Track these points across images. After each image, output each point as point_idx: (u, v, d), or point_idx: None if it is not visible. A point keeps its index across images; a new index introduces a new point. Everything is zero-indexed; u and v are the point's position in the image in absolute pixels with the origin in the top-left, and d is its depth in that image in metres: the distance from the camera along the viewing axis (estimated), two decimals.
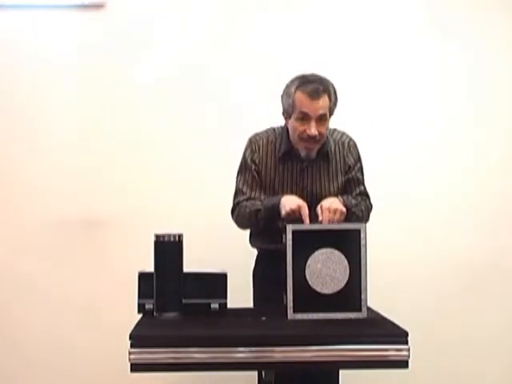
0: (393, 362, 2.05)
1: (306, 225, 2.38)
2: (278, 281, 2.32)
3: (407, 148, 3.42)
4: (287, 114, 2.58)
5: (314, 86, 2.50)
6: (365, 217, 2.63)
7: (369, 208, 2.69)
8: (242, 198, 2.63)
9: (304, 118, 2.51)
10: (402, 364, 2.04)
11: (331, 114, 2.57)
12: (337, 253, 2.26)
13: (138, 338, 2.05)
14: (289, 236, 2.25)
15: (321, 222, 2.38)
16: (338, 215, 2.39)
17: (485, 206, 3.42)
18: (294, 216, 2.40)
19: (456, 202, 3.42)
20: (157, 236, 2.34)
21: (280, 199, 2.48)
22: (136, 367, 2.03)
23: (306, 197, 2.56)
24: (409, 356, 2.03)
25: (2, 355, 3.35)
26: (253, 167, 2.64)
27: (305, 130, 2.52)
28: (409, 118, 3.43)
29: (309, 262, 2.25)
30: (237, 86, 3.37)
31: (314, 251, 2.25)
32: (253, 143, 2.67)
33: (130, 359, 2.02)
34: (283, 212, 2.44)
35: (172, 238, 2.33)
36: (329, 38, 3.40)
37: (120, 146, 3.39)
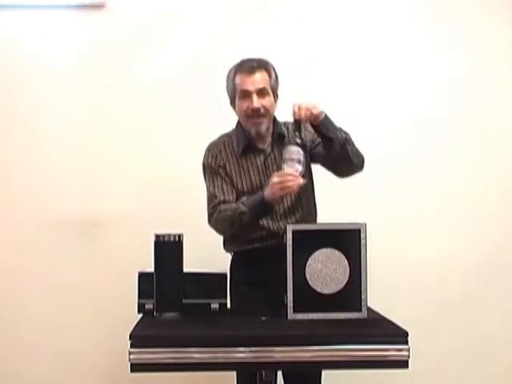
0: (393, 362, 2.05)
1: (306, 225, 2.38)
2: (254, 282, 2.50)
3: (408, 148, 3.41)
4: (232, 100, 2.66)
5: (250, 64, 2.61)
6: (354, 146, 2.55)
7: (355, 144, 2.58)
8: (216, 201, 2.64)
9: (246, 94, 2.59)
10: (402, 364, 2.04)
11: (274, 91, 2.63)
12: (337, 253, 2.25)
13: (138, 338, 2.05)
14: (289, 236, 2.25)
15: (297, 121, 2.44)
16: (309, 112, 2.42)
17: (486, 206, 3.42)
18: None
19: (457, 202, 3.42)
20: (157, 236, 2.34)
21: (263, 195, 2.49)
22: (136, 367, 2.03)
23: None
24: (409, 356, 2.03)
25: (2, 354, 3.35)
26: (220, 170, 2.68)
27: (248, 106, 2.59)
28: (408, 118, 3.43)
29: (309, 262, 2.25)
30: None
31: (314, 251, 2.25)
32: (211, 150, 2.72)
33: (129, 359, 2.02)
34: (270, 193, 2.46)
35: (172, 238, 2.33)
36: (329, 39, 3.40)
37: (120, 146, 3.39)
